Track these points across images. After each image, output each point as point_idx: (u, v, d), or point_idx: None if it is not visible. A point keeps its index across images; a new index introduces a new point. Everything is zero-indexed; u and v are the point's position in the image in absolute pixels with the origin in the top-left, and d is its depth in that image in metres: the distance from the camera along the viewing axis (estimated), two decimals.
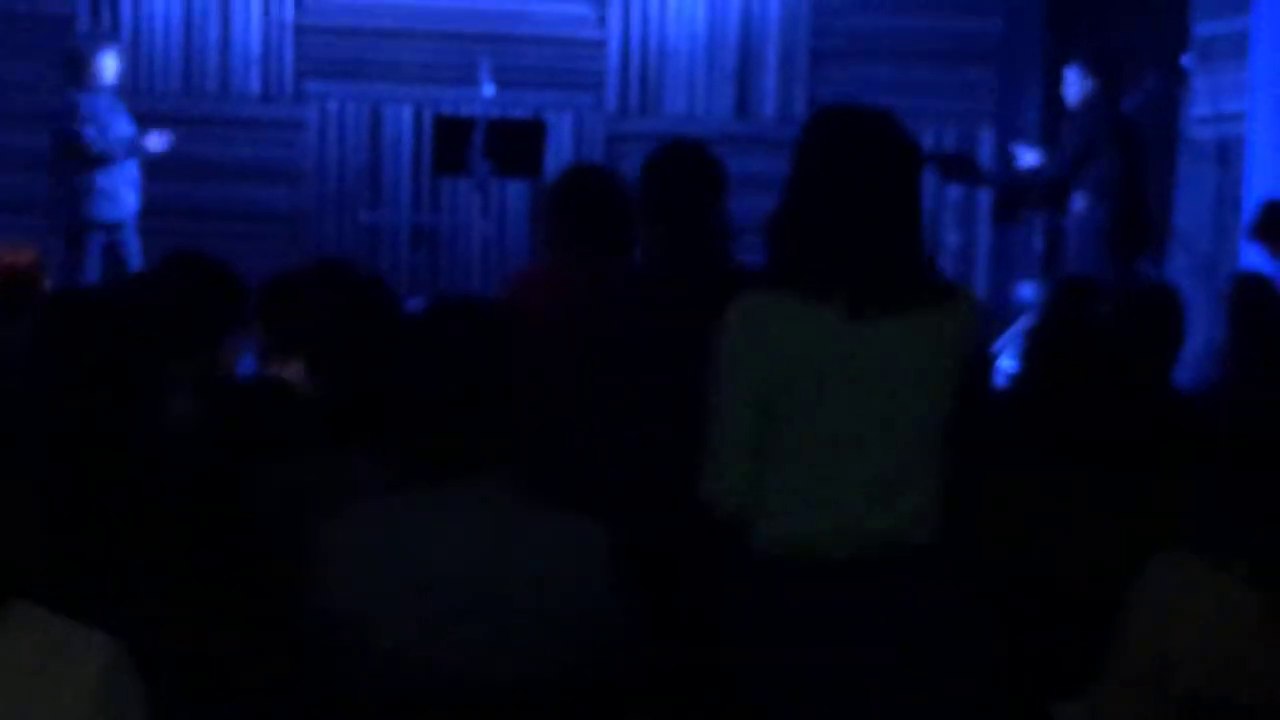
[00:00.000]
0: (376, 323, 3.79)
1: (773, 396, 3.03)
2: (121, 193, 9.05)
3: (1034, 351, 4.38)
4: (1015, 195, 9.55)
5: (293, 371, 4.73)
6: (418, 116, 10.36)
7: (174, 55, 10.24)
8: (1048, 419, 3.99)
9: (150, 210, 9.93)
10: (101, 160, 8.90)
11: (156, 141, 9.09)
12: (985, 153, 10.62)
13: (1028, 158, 9.48)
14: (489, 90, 9.10)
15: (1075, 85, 9.10)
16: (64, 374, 3.12)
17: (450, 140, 9.07)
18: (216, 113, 10.28)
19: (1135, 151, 8.94)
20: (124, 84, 10.13)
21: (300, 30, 10.37)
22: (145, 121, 9.96)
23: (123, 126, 9.15)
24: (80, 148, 8.88)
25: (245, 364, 6.41)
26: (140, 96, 10.14)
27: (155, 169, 9.82)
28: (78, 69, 9.10)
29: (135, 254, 9.08)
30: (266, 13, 10.32)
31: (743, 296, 3.12)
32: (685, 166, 4.52)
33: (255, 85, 10.36)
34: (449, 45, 10.30)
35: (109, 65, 9.14)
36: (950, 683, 3.10)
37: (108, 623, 2.00)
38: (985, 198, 10.59)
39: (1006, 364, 8.94)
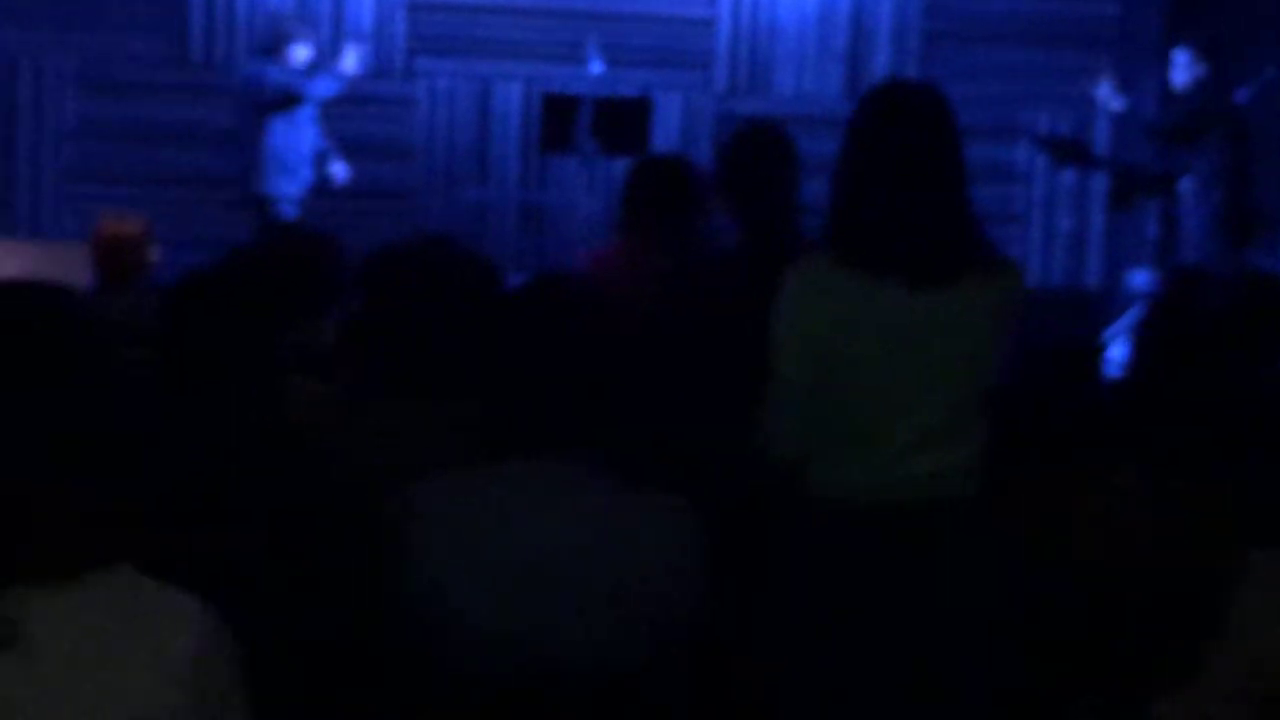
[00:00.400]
0: (475, 298, 3.78)
1: (825, 356, 3.24)
2: (301, 168, 9.16)
3: (1144, 341, 4.34)
4: (1129, 181, 9.40)
5: None
6: (526, 94, 10.37)
7: None
8: (1156, 409, 3.95)
9: None
10: (298, 97, 9.01)
11: (351, 60, 9.19)
12: (1100, 137, 10.47)
13: (1113, 102, 9.32)
14: (597, 68, 9.08)
15: (1185, 69, 8.96)
16: (183, 350, 3.15)
17: (558, 118, 9.07)
18: None
19: (1245, 140, 8.79)
20: (235, 57, 10.25)
21: (412, 7, 10.40)
22: None
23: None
24: (277, 95, 8.99)
25: None
26: None
27: None
28: (271, 48, 9.23)
29: None
30: None
31: (801, 262, 3.32)
32: (758, 148, 4.56)
33: (367, 62, 10.40)
34: (558, 23, 10.29)
35: (301, 53, 9.25)
36: (977, 629, 3.27)
37: (213, 594, 2.01)
38: (1099, 183, 10.44)
39: (1119, 352, 8.81)
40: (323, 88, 9.15)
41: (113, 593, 1.92)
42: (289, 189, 9.12)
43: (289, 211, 9.09)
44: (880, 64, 10.61)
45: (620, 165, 9.87)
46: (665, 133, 10.10)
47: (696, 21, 10.56)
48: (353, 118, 10.29)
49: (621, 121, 8.98)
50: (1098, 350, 7.96)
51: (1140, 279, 9.43)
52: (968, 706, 3.30)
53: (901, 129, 3.25)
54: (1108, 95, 9.32)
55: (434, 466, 2.88)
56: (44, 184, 10.30)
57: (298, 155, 9.14)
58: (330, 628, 2.83)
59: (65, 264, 7.47)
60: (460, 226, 9.81)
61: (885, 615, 3.23)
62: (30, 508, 1.88)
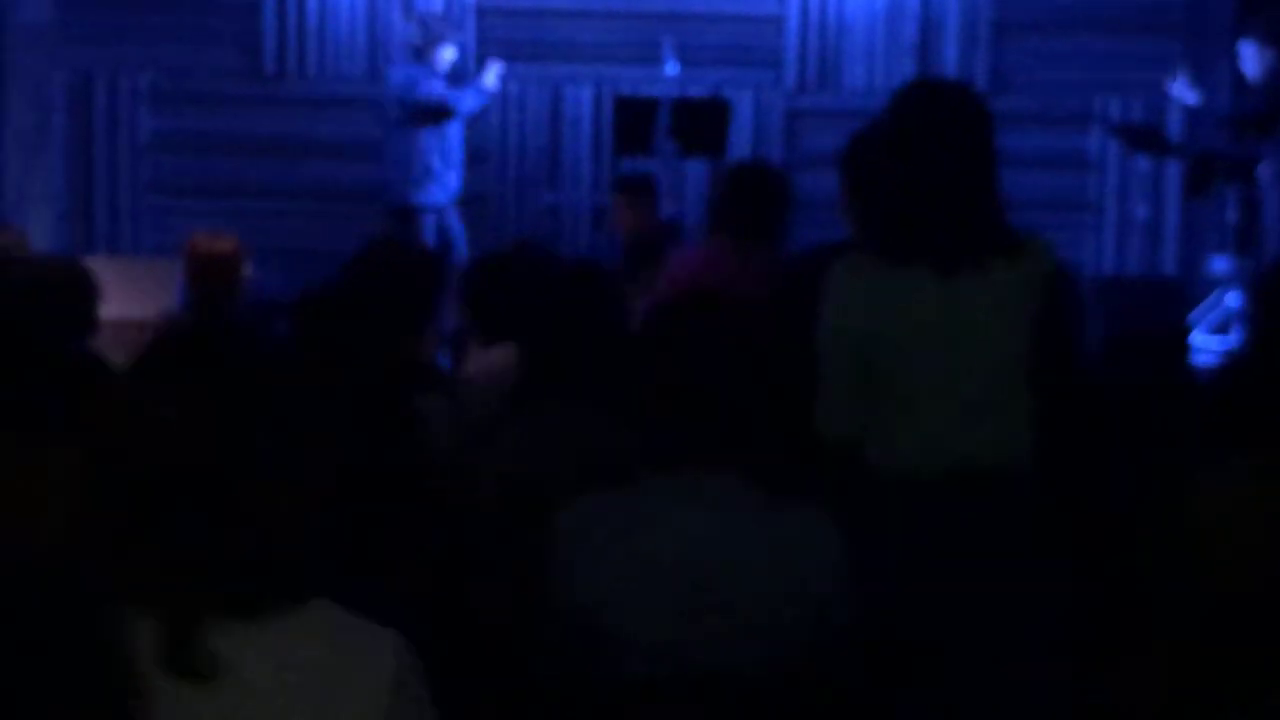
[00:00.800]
0: (597, 303, 3.83)
1: (870, 344, 3.47)
2: (448, 176, 9.22)
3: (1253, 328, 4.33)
4: (1207, 167, 9.34)
5: (499, 356, 4.77)
6: (597, 97, 10.38)
7: (359, 39, 10.35)
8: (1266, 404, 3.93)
9: (336, 194, 10.12)
10: (449, 111, 9.07)
11: (493, 76, 9.28)
12: (1173, 124, 10.41)
13: (1187, 96, 9.25)
14: (673, 69, 9.08)
15: (1253, 59, 8.92)
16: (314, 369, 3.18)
17: (631, 120, 9.07)
18: None
19: None
20: (308, 68, 10.31)
21: (481, 12, 10.42)
22: (331, 104, 10.16)
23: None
24: (429, 105, 9.03)
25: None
26: (325, 81, 10.31)
27: (343, 151, 10.00)
28: (420, 50, 9.23)
29: (459, 234, 9.21)
30: None
31: (843, 259, 3.59)
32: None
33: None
34: (628, 25, 10.30)
35: (448, 54, 9.31)
36: (1024, 595, 3.46)
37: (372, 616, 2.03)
38: (1173, 170, 10.38)
39: (1202, 339, 8.78)
40: (471, 103, 9.21)
41: (313, 625, 1.94)
42: (439, 197, 9.16)
43: (433, 221, 9.10)
44: (950, 56, 10.58)
45: (692, 166, 9.93)
46: (737, 130, 10.07)
47: (765, 19, 10.55)
48: None
49: (698, 123, 8.99)
50: (1185, 335, 7.95)
51: (1220, 265, 9.38)
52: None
53: (921, 130, 3.50)
54: (1182, 90, 9.26)
55: (580, 479, 2.92)
56: (120, 198, 10.39)
57: (444, 162, 9.18)
58: (488, 642, 2.87)
59: (153, 281, 7.53)
60: (534, 230, 9.86)
61: (944, 582, 3.42)
62: (235, 538, 1.91)
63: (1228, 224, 9.37)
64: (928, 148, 3.46)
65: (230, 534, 1.89)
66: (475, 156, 10.23)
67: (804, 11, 10.53)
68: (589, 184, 10.37)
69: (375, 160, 9.72)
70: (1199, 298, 9.42)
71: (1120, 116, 10.48)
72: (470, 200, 10.01)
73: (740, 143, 10.20)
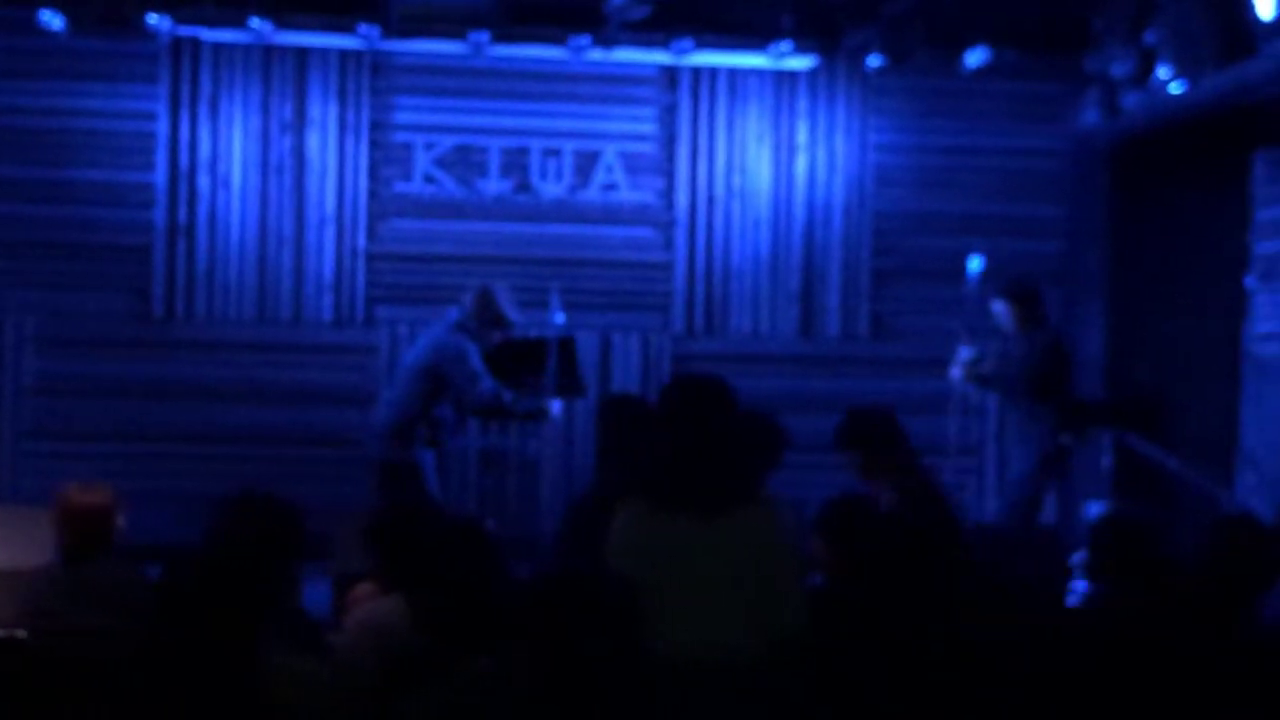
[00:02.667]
0: (480, 563, 4.17)
1: (647, 572, 4.11)
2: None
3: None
4: (1079, 412, 9.52)
5: (383, 609, 4.78)
6: None
7: (249, 283, 10.44)
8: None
9: (225, 436, 10.12)
10: (488, 407, 8.92)
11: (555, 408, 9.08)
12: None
13: (963, 354, 9.41)
14: (559, 318, 9.18)
15: (1004, 316, 9.19)
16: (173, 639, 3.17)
17: (519, 363, 9.09)
18: (290, 339, 10.46)
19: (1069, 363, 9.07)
20: (196, 312, 10.36)
21: (371, 257, 10.57)
22: (218, 348, 10.21)
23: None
24: (484, 397, 8.77)
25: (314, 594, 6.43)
26: (213, 324, 10.36)
27: (232, 395, 10.04)
28: (477, 319, 8.87)
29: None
30: (339, 241, 10.53)
31: (624, 506, 4.57)
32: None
33: (328, 312, 10.55)
34: (518, 270, 10.44)
35: (497, 336, 9.02)
36: None
37: None
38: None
39: (1079, 586, 8.86)
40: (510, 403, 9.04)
41: None
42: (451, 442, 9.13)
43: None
44: (833, 304, 10.82)
45: (580, 407, 10.00)
46: (625, 374, 10.24)
47: (654, 265, 10.77)
48: (315, 366, 10.41)
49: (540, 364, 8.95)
50: (1059, 582, 8.01)
51: (1096, 511, 9.51)
52: None
53: (684, 409, 4.59)
54: (962, 350, 9.41)
55: None
56: (3, 443, 10.31)
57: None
58: None
59: (30, 530, 7.41)
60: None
61: None
62: None
63: (1102, 470, 9.55)
64: (686, 425, 4.54)
65: None
66: (364, 399, 10.29)
67: (691, 258, 10.76)
68: (478, 427, 10.40)
69: (267, 403, 9.75)
70: (1077, 544, 9.51)
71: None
72: (359, 442, 10.01)
73: (629, 386, 10.33)
